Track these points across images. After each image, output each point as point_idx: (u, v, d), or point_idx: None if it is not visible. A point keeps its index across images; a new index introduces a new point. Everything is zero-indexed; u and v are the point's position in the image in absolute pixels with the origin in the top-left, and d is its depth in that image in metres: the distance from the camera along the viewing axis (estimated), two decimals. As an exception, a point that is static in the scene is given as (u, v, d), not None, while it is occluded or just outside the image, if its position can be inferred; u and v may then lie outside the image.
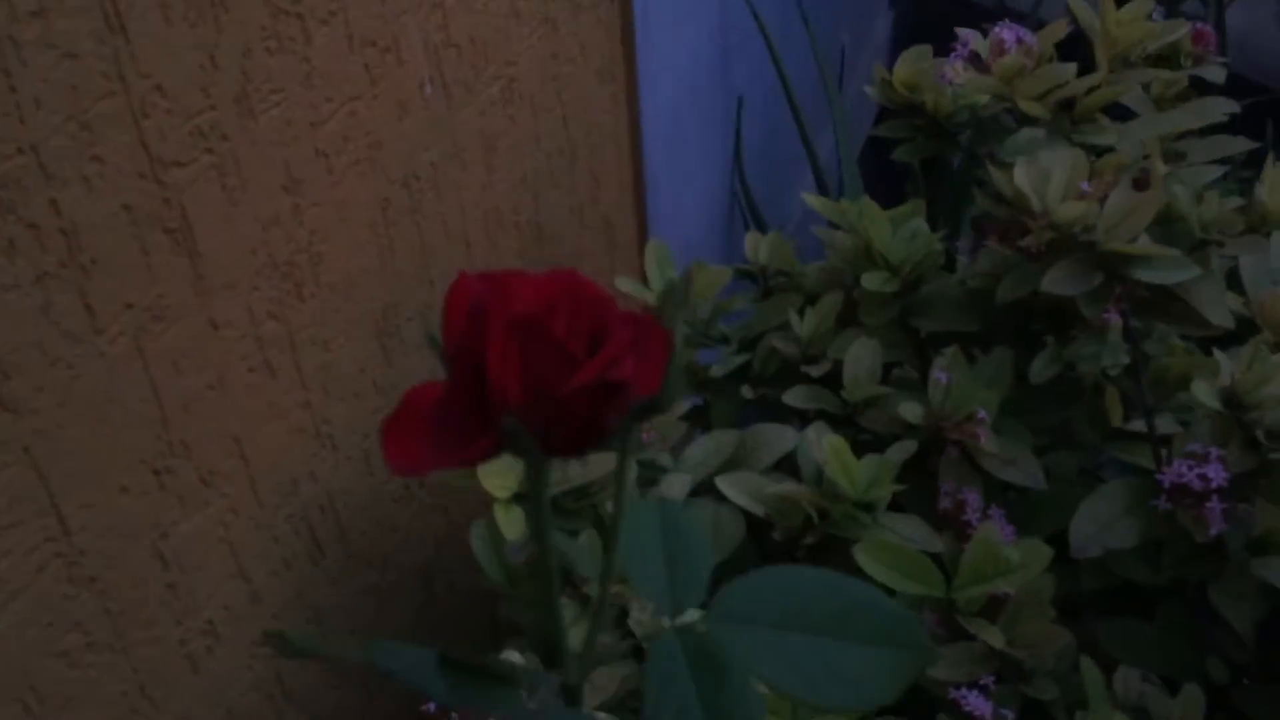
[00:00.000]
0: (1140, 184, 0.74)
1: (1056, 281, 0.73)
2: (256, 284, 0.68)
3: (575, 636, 0.36)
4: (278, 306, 0.70)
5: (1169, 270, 0.72)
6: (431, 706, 0.67)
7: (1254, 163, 0.90)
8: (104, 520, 0.61)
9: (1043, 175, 0.73)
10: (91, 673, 0.63)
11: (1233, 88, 0.97)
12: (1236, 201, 0.78)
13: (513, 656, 0.63)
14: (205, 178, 0.62)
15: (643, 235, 1.22)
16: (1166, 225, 0.78)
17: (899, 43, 2.33)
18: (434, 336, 0.30)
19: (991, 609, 0.74)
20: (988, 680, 0.70)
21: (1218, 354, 0.74)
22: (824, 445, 0.74)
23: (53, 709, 0.60)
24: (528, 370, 0.28)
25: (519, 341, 0.28)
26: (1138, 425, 0.82)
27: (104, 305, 0.58)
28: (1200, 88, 0.97)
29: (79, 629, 0.61)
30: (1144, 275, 0.72)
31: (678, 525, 0.36)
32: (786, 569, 0.34)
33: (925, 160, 0.95)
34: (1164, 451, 0.76)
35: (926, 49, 0.92)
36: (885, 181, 1.46)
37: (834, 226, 0.95)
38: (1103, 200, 0.72)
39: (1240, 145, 0.91)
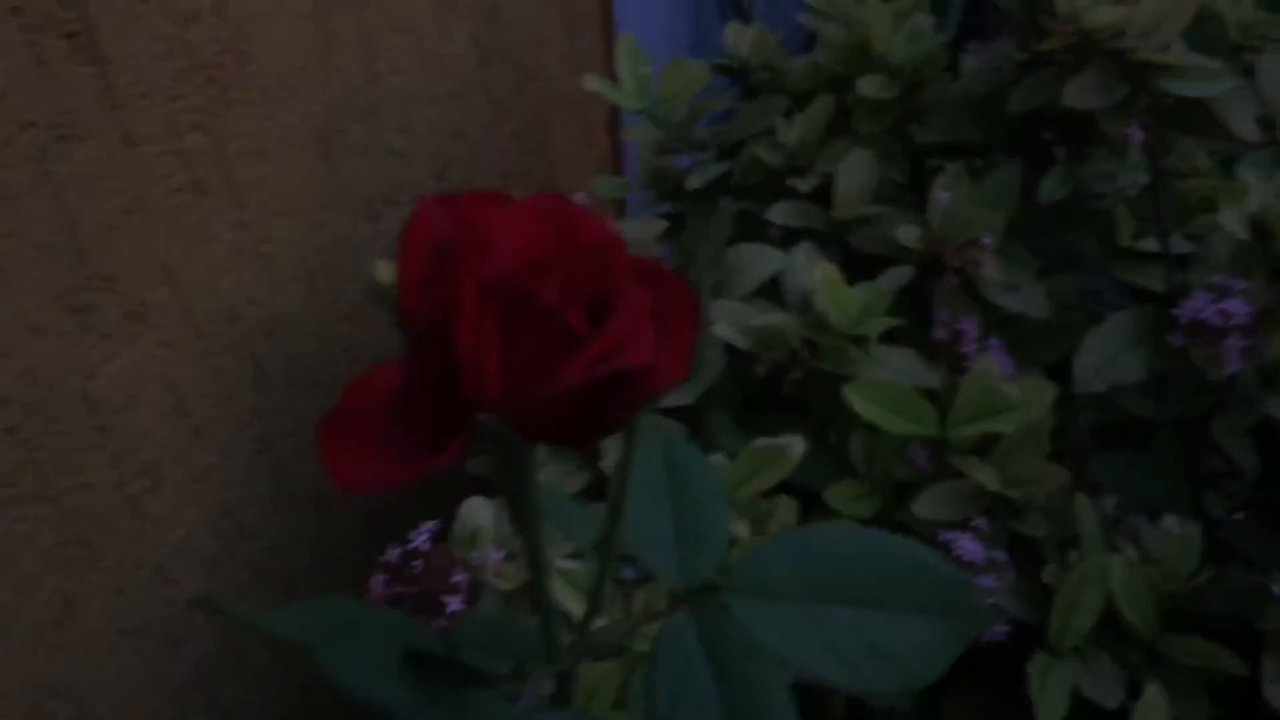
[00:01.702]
0: (1177, -19, 0.66)
1: (1080, 93, 0.66)
2: (176, 91, 0.60)
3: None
4: (202, 116, 0.63)
5: (1203, 82, 0.66)
6: (391, 554, 0.64)
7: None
8: (18, 366, 0.55)
9: (1072, -29, 0.65)
10: (20, 526, 0.58)
11: None
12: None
13: (479, 512, 0.59)
14: (107, -31, 0.53)
15: (607, 15, 1.12)
16: (1199, 25, 0.71)
17: None
18: (381, 290, 0.22)
19: (984, 444, 0.70)
20: (979, 522, 0.68)
21: (1245, 174, 0.69)
22: (814, 272, 0.69)
23: (-21, 569, 0.56)
24: (510, 353, 0.21)
25: (498, 313, 0.20)
26: (1146, 245, 0.77)
27: (-4, 126, 0.50)
28: None
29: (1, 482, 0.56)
30: (1175, 88, 0.66)
31: (687, 474, 0.30)
32: (820, 529, 0.28)
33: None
34: (1177, 275, 0.72)
35: None
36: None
37: (823, 15, 0.87)
38: (1136, 2, 0.65)
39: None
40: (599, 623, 0.28)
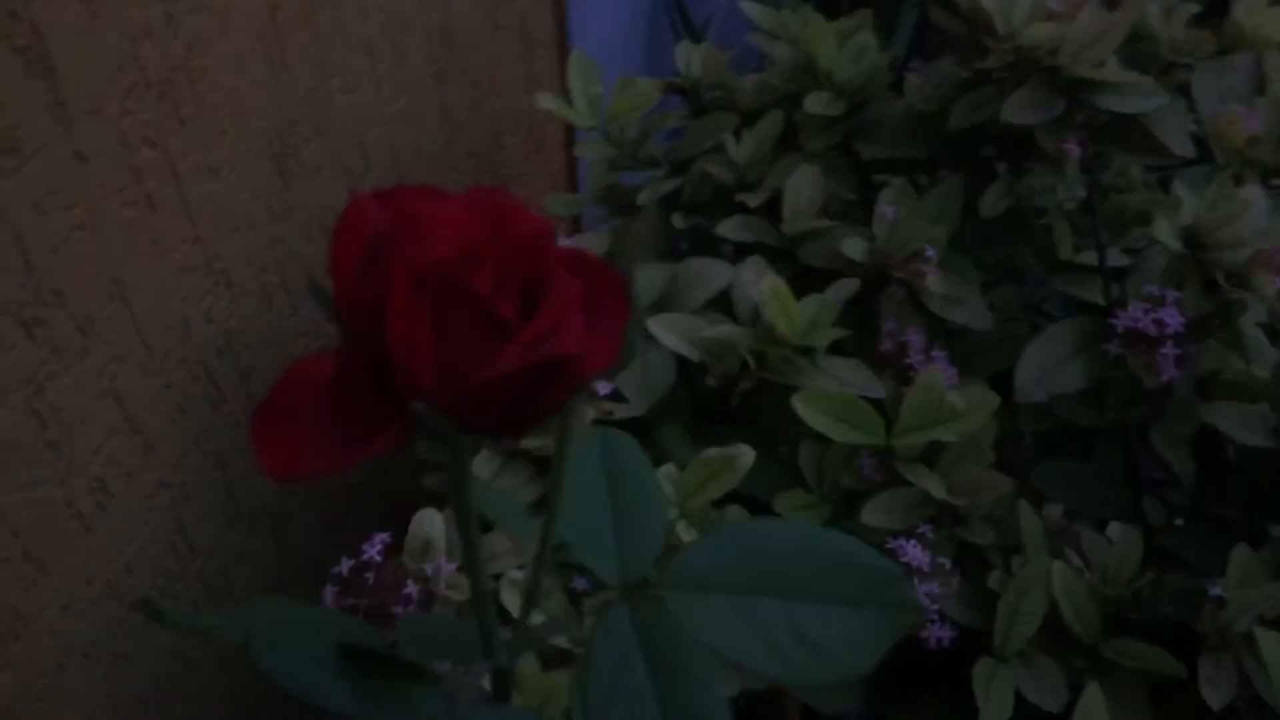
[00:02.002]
0: (1111, 0, 0.68)
1: (1017, 109, 0.68)
2: (127, 106, 0.60)
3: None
4: (154, 131, 0.63)
5: (1137, 98, 0.68)
6: (343, 566, 0.64)
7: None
8: (-34, 380, 0.55)
9: (1009, -10, 0.67)
10: (-33, 542, 0.58)
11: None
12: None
13: (430, 523, 0.59)
14: (57, -15, 0.54)
15: (562, 38, 1.14)
16: (1133, 44, 0.73)
17: None
18: (320, 286, 0.23)
19: (930, 453, 0.72)
20: (925, 529, 0.69)
21: (1178, 189, 0.71)
22: (763, 285, 0.69)
23: (-75, 586, 0.56)
24: (442, 342, 0.21)
25: (430, 303, 0.21)
26: (1085, 258, 0.78)
27: (-57, 140, 0.50)
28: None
29: (-52, 498, 0.56)
30: (1110, 104, 0.67)
31: (624, 468, 0.31)
32: (754, 525, 0.29)
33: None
34: (1115, 286, 0.73)
35: None
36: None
37: (771, 36, 0.88)
38: (1071, 20, 0.66)
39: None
40: (537, 619, 0.28)
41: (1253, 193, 0.70)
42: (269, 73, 0.71)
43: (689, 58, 0.90)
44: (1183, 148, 0.71)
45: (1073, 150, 0.72)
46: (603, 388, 0.67)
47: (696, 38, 1.40)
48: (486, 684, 0.29)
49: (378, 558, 0.63)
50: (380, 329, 0.21)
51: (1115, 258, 0.78)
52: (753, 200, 0.80)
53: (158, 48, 0.61)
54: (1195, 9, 0.79)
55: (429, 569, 0.62)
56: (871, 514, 0.70)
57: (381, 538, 0.64)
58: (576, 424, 0.26)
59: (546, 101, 0.83)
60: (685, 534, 0.61)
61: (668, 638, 0.27)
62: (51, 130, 0.56)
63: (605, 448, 0.32)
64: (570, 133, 1.19)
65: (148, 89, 0.61)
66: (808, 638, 0.28)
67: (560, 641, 0.46)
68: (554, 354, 0.21)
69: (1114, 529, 0.72)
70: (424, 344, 0.21)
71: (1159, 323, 0.67)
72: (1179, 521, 0.76)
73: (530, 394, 0.23)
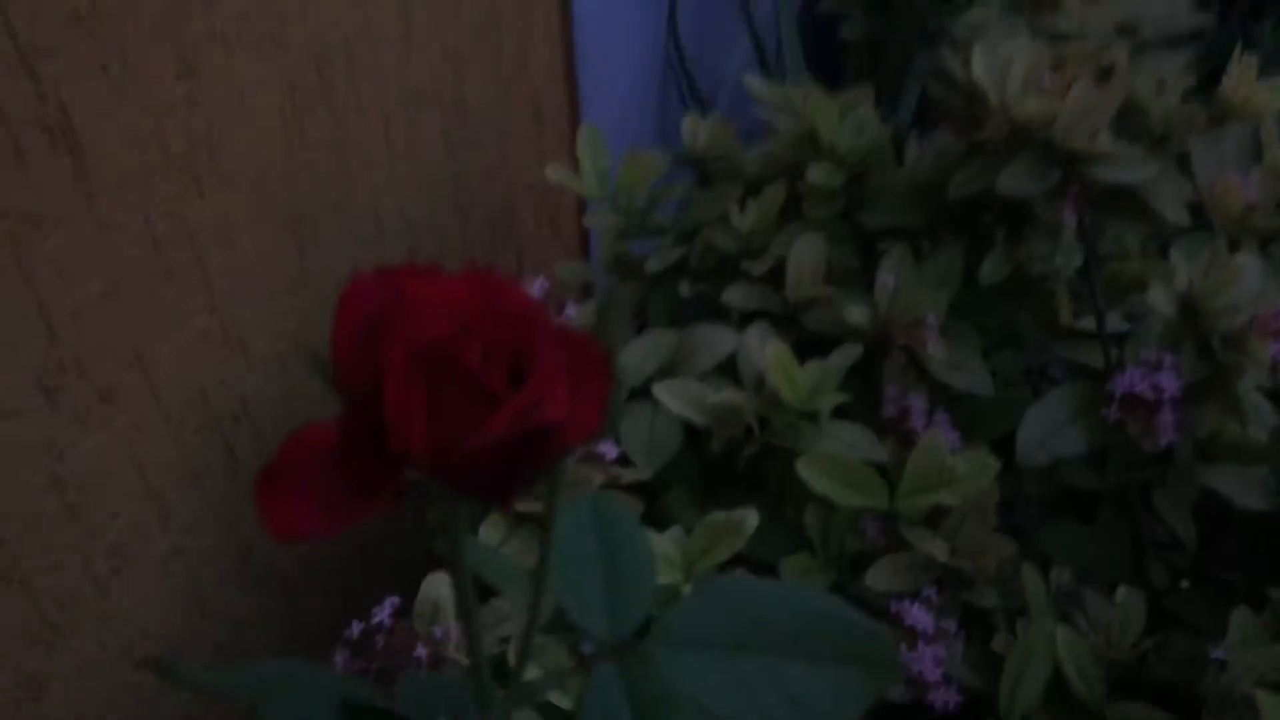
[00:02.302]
0: (1102, 76, 0.70)
1: (1013, 180, 0.69)
2: (149, 181, 0.62)
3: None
4: (175, 204, 0.65)
5: (1129, 169, 0.69)
6: (354, 630, 0.65)
7: (1224, 44, 0.86)
8: (-11, 446, 0.57)
9: (1002, 66, 0.69)
10: (-13, 606, 0.59)
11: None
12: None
13: (440, 587, 0.60)
14: (85, 68, 0.56)
15: (573, 109, 1.16)
16: (1125, 118, 0.75)
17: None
18: (319, 358, 0.25)
19: (934, 516, 0.72)
20: (929, 592, 0.69)
21: (1174, 255, 0.72)
22: (766, 351, 0.71)
23: (-56, 649, 0.57)
24: (435, 412, 0.23)
25: (424, 376, 0.22)
26: (1086, 324, 0.80)
27: (-27, 215, 0.52)
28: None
29: (-31, 562, 0.57)
30: (1103, 174, 0.69)
31: (615, 528, 0.32)
32: (740, 581, 0.30)
33: (866, 35, 0.90)
34: (1114, 352, 0.74)
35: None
36: (820, 41, 1.40)
37: (775, 108, 0.90)
38: (1064, 95, 0.68)
39: (1199, 20, 0.87)
40: (530, 674, 0.29)
41: (1248, 259, 0.71)
42: (287, 148, 0.73)
43: (695, 130, 0.92)
44: (1177, 216, 0.72)
45: (1069, 219, 0.73)
46: (609, 452, 0.68)
47: (704, 108, 1.43)
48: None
49: (388, 621, 0.64)
50: (378, 400, 0.22)
51: (1114, 323, 0.79)
52: (757, 268, 0.81)
53: (180, 124, 0.63)
54: (1189, 83, 0.81)
55: (438, 632, 0.63)
56: (876, 577, 0.70)
57: (392, 601, 0.65)
58: (564, 487, 0.27)
59: (556, 174, 0.85)
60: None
61: (656, 695, 0.28)
62: (76, 204, 0.58)
63: (597, 510, 0.33)
64: (582, 202, 1.21)
65: (169, 164, 0.63)
66: (794, 694, 0.29)
67: (562, 702, 0.46)
68: (539, 423, 0.23)
69: (1119, 592, 0.72)
70: (418, 414, 0.22)
71: (1156, 387, 0.67)
72: (1184, 584, 0.76)
73: (518, 460, 0.24)
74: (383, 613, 0.64)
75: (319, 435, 0.24)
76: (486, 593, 0.64)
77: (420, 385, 0.23)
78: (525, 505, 0.66)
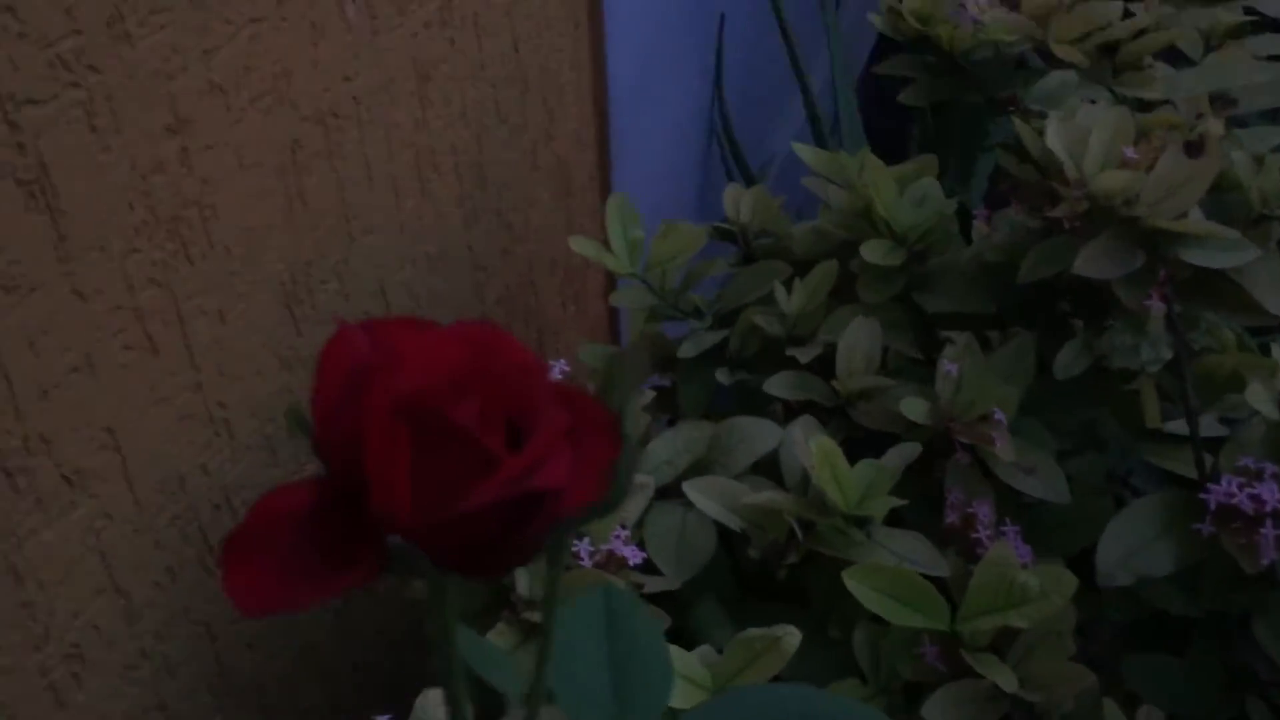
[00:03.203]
0: (1193, 148, 0.70)
1: (1092, 262, 0.69)
2: (134, 245, 0.63)
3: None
4: (161, 271, 0.66)
5: (1224, 252, 0.69)
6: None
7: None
8: (-59, 531, 0.57)
9: (1080, 136, 0.69)
10: (-72, 712, 0.59)
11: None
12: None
13: (435, 707, 0.59)
14: (69, 118, 0.57)
15: (604, 178, 1.18)
16: (1219, 194, 0.75)
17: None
18: (300, 416, 0.25)
19: (1001, 641, 0.71)
20: (995, 728, 0.67)
21: (1275, 350, 0.71)
22: (811, 447, 0.70)
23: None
24: (422, 471, 0.22)
25: (411, 430, 0.22)
26: (1176, 425, 0.79)
27: (-62, 275, 0.53)
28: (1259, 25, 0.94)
29: (-90, 662, 0.57)
30: (1194, 257, 0.69)
31: (627, 624, 0.31)
32: (755, 689, 0.29)
33: (934, 103, 0.91)
34: (1208, 458, 0.73)
35: (944, -27, 0.88)
36: (884, 118, 1.42)
37: (827, 180, 0.91)
38: (1149, 168, 0.68)
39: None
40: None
41: (1361, 355, 0.71)
42: (286, 212, 0.74)
43: (738, 201, 0.93)
44: (1277, 305, 0.72)
45: (1157, 307, 0.73)
46: (633, 557, 0.67)
47: (750, 181, 1.44)
48: None
49: (377, 742, 0.63)
50: (358, 459, 0.22)
51: (1209, 426, 0.78)
52: (804, 355, 0.81)
53: (170, 183, 0.64)
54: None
55: (432, 758, 0.62)
56: (934, 709, 0.69)
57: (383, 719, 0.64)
58: (563, 564, 0.27)
59: (581, 245, 0.85)
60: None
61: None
62: (51, 268, 0.59)
63: (608, 604, 0.32)
64: (610, 279, 1.22)
65: (157, 226, 0.64)
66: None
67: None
68: (538, 488, 0.22)
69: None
70: (402, 474, 0.22)
71: (1257, 499, 0.66)
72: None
73: (509, 529, 0.24)
74: (372, 732, 0.63)
75: (292, 497, 0.24)
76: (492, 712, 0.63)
77: (405, 440, 0.22)
78: (536, 614, 0.65)
